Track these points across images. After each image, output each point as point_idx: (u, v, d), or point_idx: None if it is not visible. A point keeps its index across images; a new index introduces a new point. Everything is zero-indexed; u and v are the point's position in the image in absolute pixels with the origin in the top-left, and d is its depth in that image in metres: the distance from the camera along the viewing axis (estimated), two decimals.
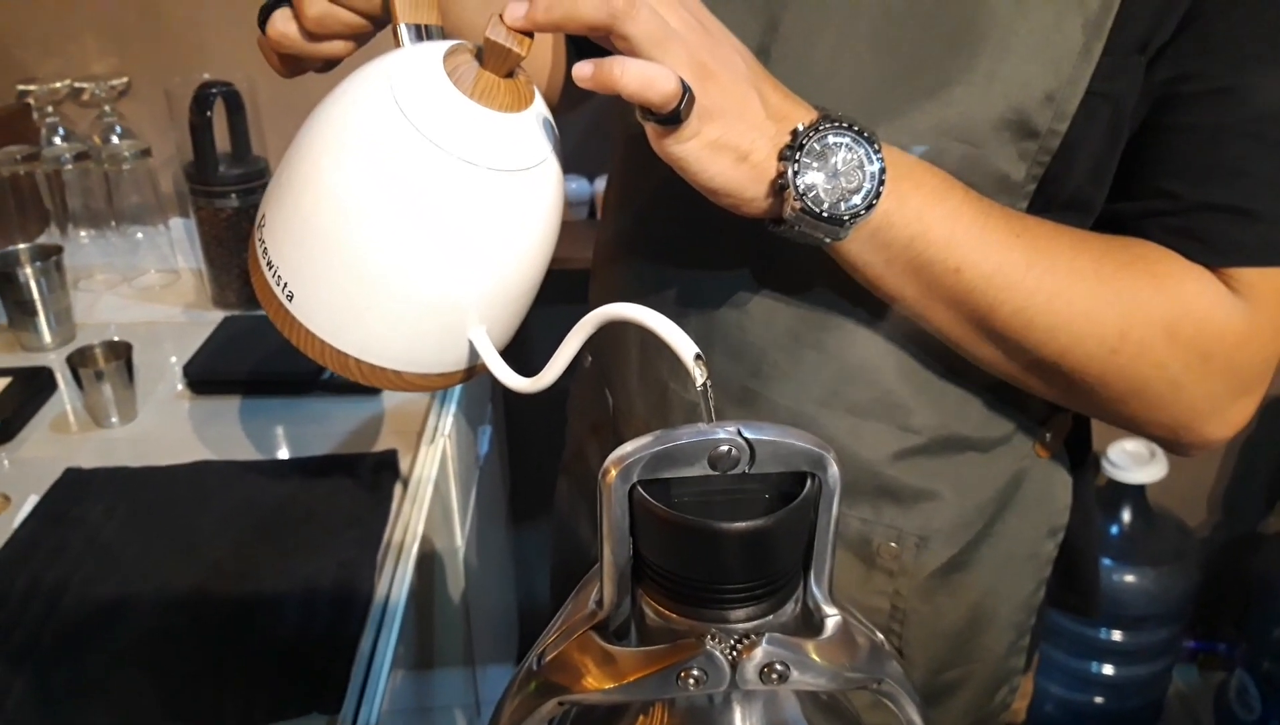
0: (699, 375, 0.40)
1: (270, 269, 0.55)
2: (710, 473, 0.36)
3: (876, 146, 0.50)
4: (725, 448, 0.35)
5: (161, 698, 0.66)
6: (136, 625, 0.71)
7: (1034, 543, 0.69)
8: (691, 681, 0.36)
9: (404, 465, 0.93)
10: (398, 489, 0.89)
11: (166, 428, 0.98)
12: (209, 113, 1.09)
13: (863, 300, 0.59)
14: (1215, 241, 0.54)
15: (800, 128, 0.50)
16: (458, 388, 1.15)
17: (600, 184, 1.48)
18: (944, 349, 0.59)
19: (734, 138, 0.49)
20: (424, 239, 0.51)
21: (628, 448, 0.36)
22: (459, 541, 1.11)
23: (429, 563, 0.96)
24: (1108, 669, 1.68)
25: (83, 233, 1.33)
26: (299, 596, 0.74)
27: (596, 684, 0.39)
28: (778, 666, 0.36)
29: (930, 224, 0.52)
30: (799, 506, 0.36)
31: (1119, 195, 0.58)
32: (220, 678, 0.67)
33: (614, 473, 0.36)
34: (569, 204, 1.47)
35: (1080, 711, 1.73)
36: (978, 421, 0.64)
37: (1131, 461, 1.59)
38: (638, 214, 0.69)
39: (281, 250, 0.55)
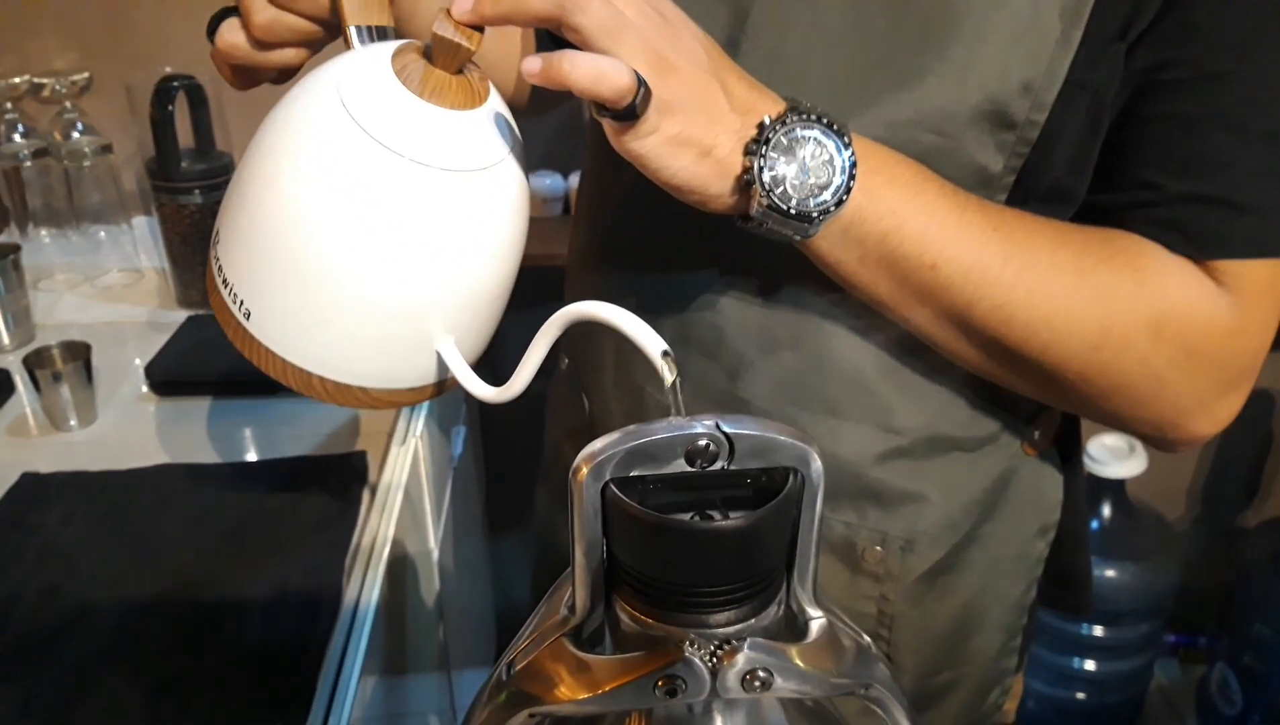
0: (668, 373, 0.38)
1: (226, 287, 0.53)
2: (687, 469, 0.34)
3: (847, 139, 0.49)
4: (703, 442, 0.33)
5: (121, 710, 0.63)
6: (95, 636, 0.69)
7: (1024, 543, 0.68)
8: (670, 690, 0.34)
9: (374, 468, 0.91)
10: (367, 492, 0.87)
11: (128, 431, 0.95)
12: (170, 107, 1.06)
13: (840, 299, 0.58)
14: (1199, 234, 0.53)
15: (767, 120, 0.48)
16: None
17: (574, 180, 1.46)
18: (925, 347, 0.58)
19: (696, 132, 0.47)
20: (378, 246, 0.49)
21: (599, 444, 0.34)
22: (432, 545, 1.09)
23: (400, 567, 0.94)
24: (1089, 664, 1.68)
25: (43, 232, 1.30)
26: (264, 603, 0.71)
27: (569, 694, 0.37)
28: (760, 673, 0.35)
29: (904, 219, 0.51)
30: (781, 504, 0.34)
31: (1100, 186, 0.57)
32: (182, 688, 0.65)
33: (585, 471, 0.34)
34: (543, 200, 1.44)
35: (1062, 707, 1.73)
36: (963, 421, 0.62)
37: (1111, 456, 1.59)
38: (610, 215, 0.68)
39: (236, 266, 0.53)
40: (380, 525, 0.88)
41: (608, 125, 0.47)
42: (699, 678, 0.34)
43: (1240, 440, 1.79)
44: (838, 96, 0.54)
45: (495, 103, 0.52)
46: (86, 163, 1.19)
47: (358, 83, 0.49)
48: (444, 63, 0.49)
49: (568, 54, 0.45)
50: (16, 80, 1.33)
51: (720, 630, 0.35)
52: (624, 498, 0.34)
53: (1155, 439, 0.57)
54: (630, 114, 0.46)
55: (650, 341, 0.39)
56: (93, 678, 0.66)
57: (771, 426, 0.34)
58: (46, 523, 0.80)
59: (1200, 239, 0.53)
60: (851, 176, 0.49)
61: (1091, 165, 0.56)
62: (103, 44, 1.35)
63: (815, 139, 0.48)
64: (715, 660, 0.35)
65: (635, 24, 0.46)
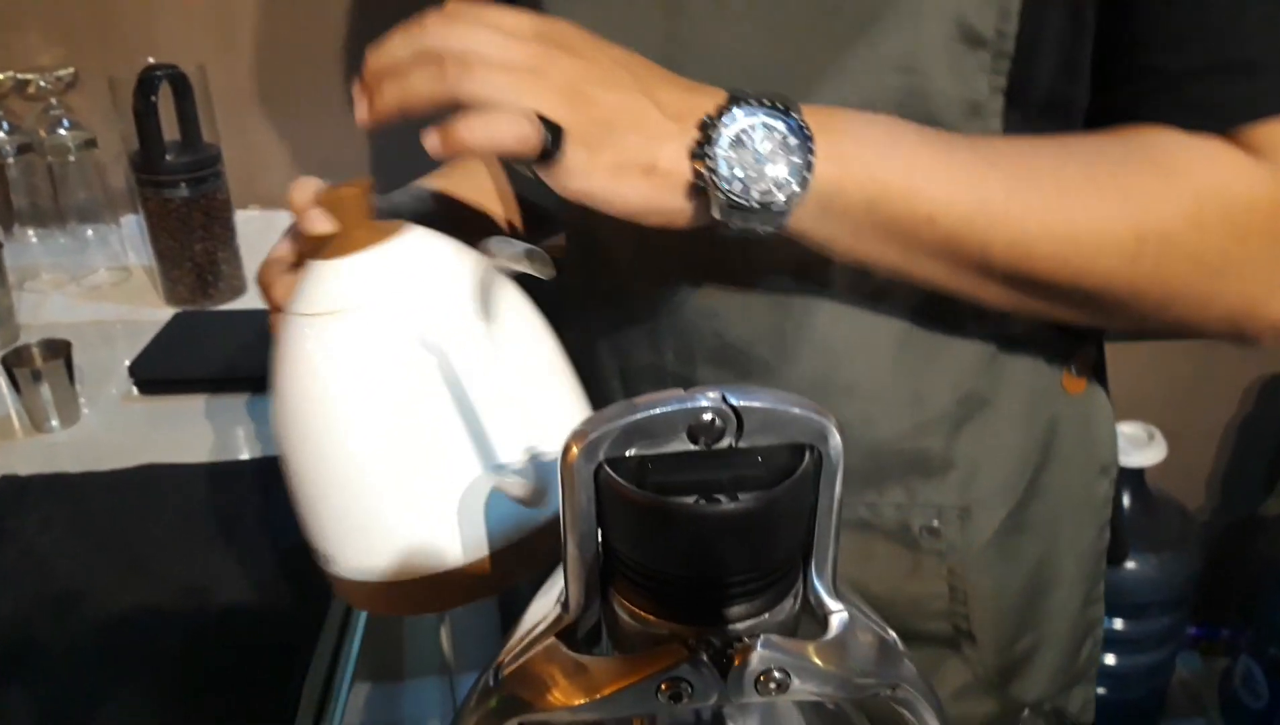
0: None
1: (317, 554, 0.52)
2: (691, 447, 0.30)
3: (795, 116, 0.45)
4: (708, 417, 0.30)
5: (101, 718, 0.60)
6: (74, 643, 0.66)
7: (1087, 486, 0.64)
8: (674, 695, 0.31)
9: None
10: None
11: (112, 431, 0.92)
12: (154, 98, 1.03)
13: (839, 275, 0.55)
14: (1216, 105, 0.48)
15: (707, 119, 0.45)
16: None
17: None
18: (940, 306, 0.54)
19: (632, 153, 0.45)
20: (317, 414, 0.48)
21: (592, 420, 0.30)
22: None
23: None
24: (1110, 659, 1.64)
25: (30, 231, 1.27)
26: (250, 608, 0.68)
27: (564, 699, 0.33)
28: (776, 674, 0.31)
29: (887, 180, 0.47)
30: (796, 483, 0.30)
31: (1102, 87, 0.52)
32: (165, 695, 0.62)
33: (576, 450, 0.30)
34: None
35: None
36: (993, 374, 0.59)
37: (1130, 445, 1.55)
38: (581, 243, 0.66)
39: (301, 518, 0.52)
40: None
41: (541, 175, 0.45)
42: (707, 680, 0.31)
43: (1260, 428, 1.75)
44: (791, 61, 0.51)
45: (391, 246, 0.48)
46: (71, 158, 1.15)
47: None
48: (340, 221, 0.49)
49: (460, 117, 0.43)
50: (0, 76, 1.30)
51: (730, 627, 0.31)
52: (619, 479, 0.30)
53: (1236, 337, 0.53)
54: (548, 156, 0.44)
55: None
56: (70, 686, 0.63)
57: (784, 398, 0.31)
58: (25, 528, 0.77)
59: (1218, 110, 0.48)
60: (809, 150, 0.45)
61: (1085, 67, 0.52)
62: (88, 38, 1.32)
63: (762, 123, 0.45)
64: (725, 660, 0.31)
65: (534, 69, 0.44)
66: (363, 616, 0.73)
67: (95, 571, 0.73)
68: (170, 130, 1.09)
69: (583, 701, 0.32)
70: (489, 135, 0.43)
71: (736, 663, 0.31)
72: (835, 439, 0.31)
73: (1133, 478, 1.57)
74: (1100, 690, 1.68)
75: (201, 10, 1.32)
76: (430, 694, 1.05)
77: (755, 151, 0.45)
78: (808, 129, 0.45)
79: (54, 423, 0.91)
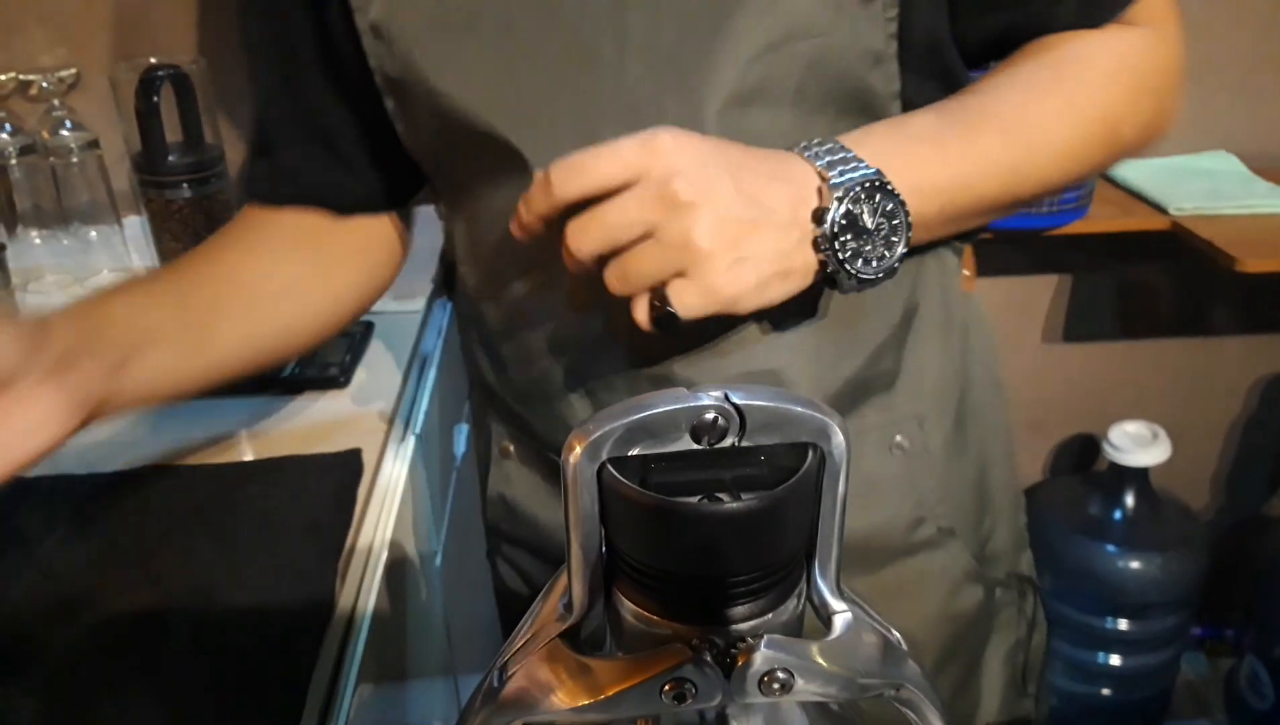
0: None
1: None
2: (694, 447, 0.30)
3: (878, 174, 0.50)
4: (710, 416, 0.30)
5: (104, 720, 0.60)
6: (78, 644, 0.66)
7: (993, 369, 0.73)
8: (678, 695, 0.31)
9: (370, 466, 0.87)
10: (363, 493, 0.83)
11: (118, 432, 0.91)
12: (156, 98, 1.02)
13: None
14: (1098, 4, 0.59)
15: (819, 213, 0.50)
16: (429, 382, 1.10)
17: None
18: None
19: (769, 268, 0.49)
20: None
21: (594, 419, 0.30)
22: (434, 547, 1.05)
23: (400, 571, 0.90)
24: (1114, 659, 1.64)
25: (33, 233, 1.27)
26: (251, 611, 0.68)
27: (568, 700, 0.33)
28: (780, 674, 0.31)
29: (940, 186, 0.54)
30: (799, 482, 0.30)
31: (978, 24, 0.60)
32: (164, 698, 0.61)
33: (578, 449, 0.30)
34: None
35: (1087, 704, 1.68)
36: (919, 281, 0.65)
37: (1134, 444, 1.54)
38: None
39: None
40: (378, 527, 0.84)
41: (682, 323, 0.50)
42: (711, 681, 0.31)
43: (1266, 427, 1.75)
44: (690, 43, 0.54)
45: None
46: (73, 159, 1.15)
47: None
48: None
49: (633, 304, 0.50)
50: (3, 78, 1.30)
51: (734, 627, 0.31)
52: (621, 479, 0.30)
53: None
54: (670, 321, 0.49)
55: None
56: (74, 687, 0.63)
57: (787, 397, 0.31)
58: (30, 529, 0.77)
59: (1094, 6, 0.59)
60: (903, 207, 0.51)
61: (959, 6, 0.59)
62: (90, 39, 1.32)
63: (863, 199, 0.50)
64: (728, 661, 0.31)
65: (657, 238, 0.48)
66: (368, 618, 0.73)
67: (99, 573, 0.73)
68: (173, 131, 1.08)
69: (586, 702, 0.32)
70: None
71: (740, 663, 0.31)
72: (838, 437, 0.31)
73: (1137, 477, 1.57)
74: (1105, 691, 1.68)
75: (203, 10, 1.32)
76: (434, 696, 1.05)
77: (866, 230, 0.50)
78: (889, 184, 0.50)
79: None
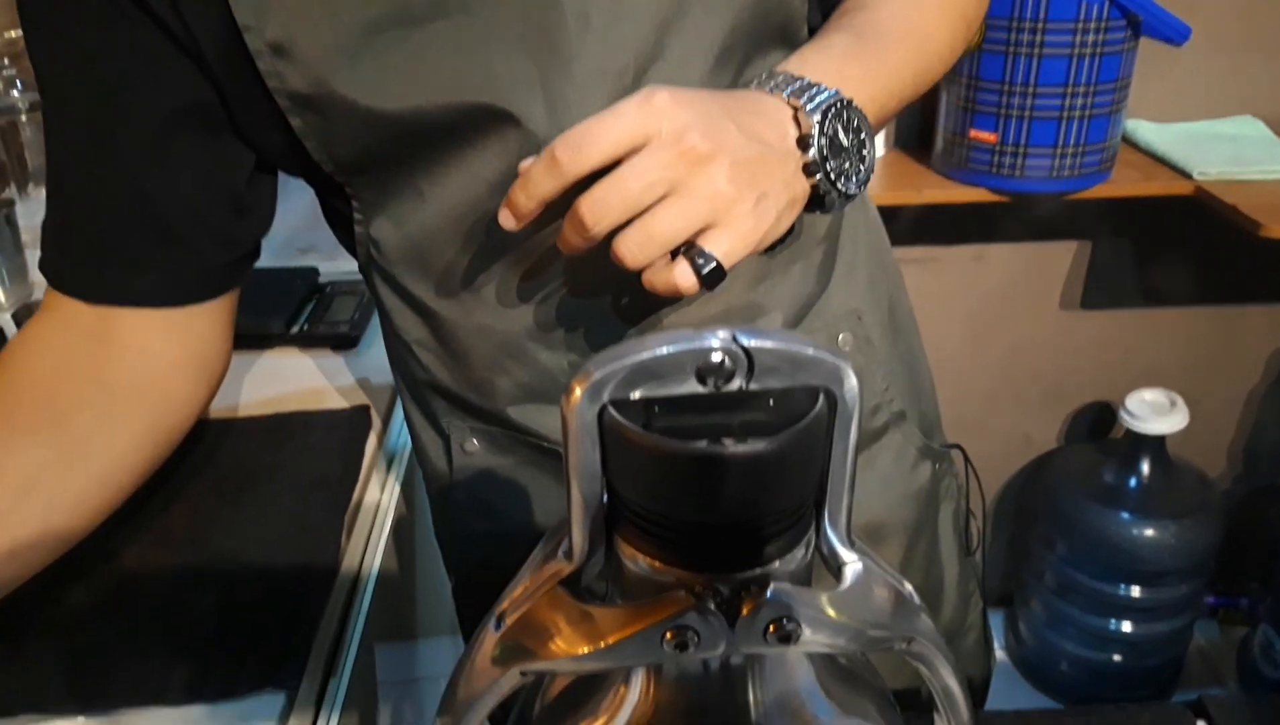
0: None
1: None
2: (699, 390, 0.29)
3: (841, 95, 0.53)
4: (717, 357, 0.29)
5: (101, 673, 0.60)
6: (79, 599, 0.65)
7: (884, 247, 0.77)
8: (680, 643, 0.30)
9: (379, 423, 0.86)
10: (370, 448, 0.82)
11: None
12: None
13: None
14: None
15: (804, 138, 0.52)
16: None
17: None
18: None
19: (781, 200, 0.51)
20: None
21: (596, 360, 0.29)
22: None
23: (409, 527, 0.90)
24: (1126, 626, 1.63)
25: (44, 191, 1.26)
26: (256, 565, 0.68)
27: (567, 647, 0.32)
28: (786, 623, 0.30)
29: (874, 96, 0.58)
30: (809, 426, 0.29)
31: None
32: (167, 651, 0.61)
33: (579, 392, 0.29)
34: None
35: (1099, 670, 1.68)
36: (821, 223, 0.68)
37: (1151, 412, 1.53)
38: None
39: None
40: (386, 484, 0.84)
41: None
42: (714, 629, 0.30)
43: (1274, 397, 1.73)
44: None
45: None
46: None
47: None
48: None
49: (651, 272, 0.50)
50: (13, 34, 1.29)
51: (739, 575, 0.30)
52: (623, 421, 0.29)
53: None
54: (719, 277, 0.50)
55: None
56: (70, 638, 0.63)
57: (797, 339, 0.29)
58: None
59: None
60: (865, 120, 0.54)
61: None
62: None
63: (831, 119, 0.52)
64: (733, 609, 0.30)
65: (678, 193, 0.48)
66: (374, 573, 0.73)
67: (103, 528, 0.72)
68: None
69: (586, 650, 0.31)
70: (670, 290, 0.50)
71: (745, 611, 0.30)
72: (851, 382, 0.30)
73: (1153, 445, 1.55)
74: (1116, 658, 1.68)
75: None
76: (443, 652, 1.05)
77: (843, 147, 0.53)
78: (851, 100, 0.53)
79: None
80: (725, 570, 0.30)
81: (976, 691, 0.87)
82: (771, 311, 0.64)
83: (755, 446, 0.28)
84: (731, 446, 0.28)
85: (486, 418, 0.67)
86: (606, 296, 0.61)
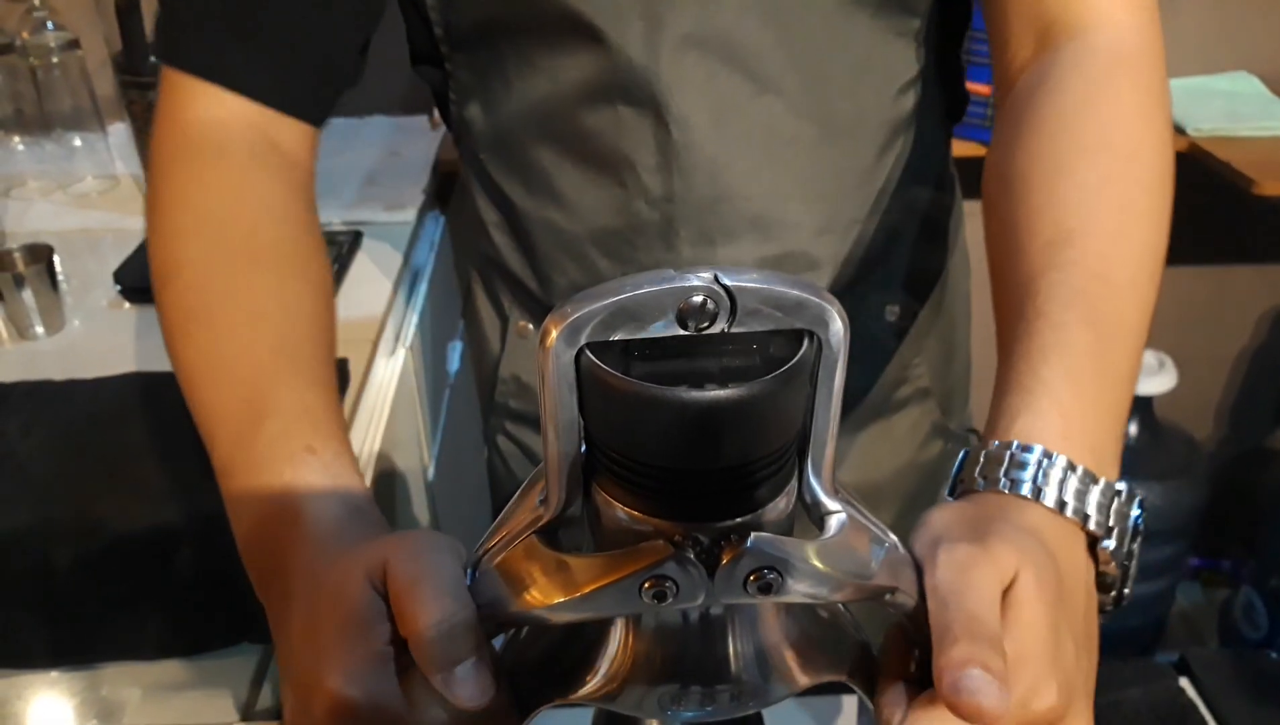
0: None
1: None
2: (681, 332, 0.28)
3: (1123, 492, 0.42)
4: (698, 298, 0.27)
5: (75, 628, 0.59)
6: (50, 551, 0.64)
7: (962, 232, 0.75)
8: (658, 594, 0.29)
9: (357, 378, 0.85)
10: (349, 404, 0.81)
11: (98, 338, 0.90)
12: None
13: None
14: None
15: (1107, 575, 0.41)
16: (420, 295, 1.07)
17: None
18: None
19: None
20: None
21: (574, 300, 0.28)
22: (425, 462, 1.04)
23: (389, 483, 0.89)
24: None
25: (16, 139, 1.23)
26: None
27: (542, 598, 0.31)
28: (766, 573, 0.29)
29: (1122, 416, 0.45)
30: (791, 371, 0.28)
31: None
32: (141, 606, 0.60)
33: (555, 334, 0.28)
34: None
35: None
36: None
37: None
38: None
39: None
40: (365, 439, 0.83)
41: None
42: (693, 579, 0.29)
43: (1273, 359, 1.72)
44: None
45: None
46: (54, 59, 1.11)
47: None
48: None
49: None
50: None
51: (719, 524, 0.29)
52: (600, 364, 0.28)
53: None
54: None
55: None
56: (44, 594, 0.62)
57: (781, 279, 0.28)
58: (6, 433, 0.75)
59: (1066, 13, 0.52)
60: (1132, 495, 0.42)
61: None
62: None
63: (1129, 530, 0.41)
64: (712, 559, 0.29)
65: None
66: None
67: (77, 480, 0.71)
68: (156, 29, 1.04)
69: (561, 599, 0.30)
70: None
71: (725, 560, 0.29)
72: (837, 325, 0.28)
73: (1141, 405, 1.55)
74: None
75: None
76: None
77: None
78: (1124, 495, 0.42)
79: (38, 329, 0.89)
80: (705, 519, 0.29)
81: None
82: (824, 266, 0.64)
83: (735, 391, 0.27)
84: (711, 392, 0.27)
85: (543, 309, 0.71)
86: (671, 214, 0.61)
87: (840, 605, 0.36)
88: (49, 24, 1.24)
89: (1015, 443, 0.41)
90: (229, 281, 0.51)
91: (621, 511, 0.30)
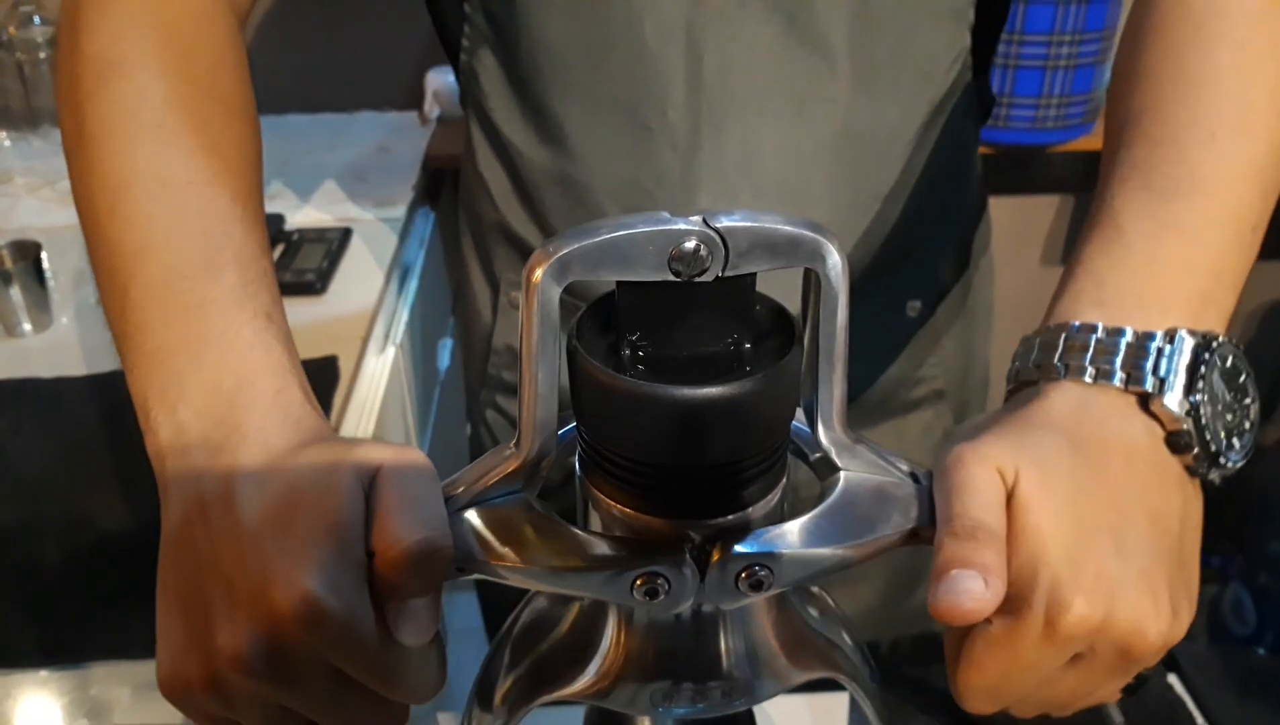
0: None
1: None
2: (672, 278, 0.27)
3: (1210, 339, 0.36)
4: (691, 244, 0.26)
5: (65, 627, 0.59)
6: (39, 550, 0.64)
7: (989, 241, 0.78)
8: (649, 591, 0.29)
9: (347, 376, 0.85)
10: (338, 401, 0.81)
11: (86, 336, 0.89)
12: None
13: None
14: None
15: (1175, 433, 0.35)
16: (411, 292, 1.07)
17: None
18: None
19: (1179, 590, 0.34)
20: None
21: (560, 239, 0.27)
22: None
23: None
24: None
25: (3, 134, 1.23)
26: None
27: (529, 560, 0.30)
28: (758, 570, 0.29)
29: (1224, 266, 0.39)
30: (787, 363, 0.28)
31: None
32: (131, 605, 0.60)
33: (540, 271, 0.27)
34: None
35: None
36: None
37: None
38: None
39: None
40: (355, 436, 0.82)
41: None
42: (685, 579, 0.29)
43: (1262, 354, 1.73)
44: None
45: None
46: (41, 55, 1.11)
47: None
48: None
49: None
50: None
51: (710, 522, 0.29)
52: (592, 360, 0.28)
53: None
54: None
55: None
56: (32, 592, 0.62)
57: (772, 217, 0.27)
58: None
59: None
60: (1232, 348, 0.37)
61: None
62: None
63: (1200, 381, 0.35)
64: (704, 556, 0.29)
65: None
66: None
67: (66, 478, 0.71)
68: None
69: (552, 565, 0.29)
70: None
71: (715, 558, 0.28)
72: (834, 258, 0.28)
73: None
74: None
75: None
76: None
77: (1221, 406, 0.36)
78: (1206, 338, 0.36)
79: (25, 326, 0.88)
80: (695, 517, 0.29)
81: None
82: (847, 244, 0.62)
83: (726, 388, 0.27)
84: (702, 388, 0.27)
85: None
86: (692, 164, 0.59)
87: (830, 602, 0.36)
88: (36, 19, 1.23)
89: (1049, 327, 0.38)
90: (195, 104, 0.45)
91: (615, 508, 0.30)
